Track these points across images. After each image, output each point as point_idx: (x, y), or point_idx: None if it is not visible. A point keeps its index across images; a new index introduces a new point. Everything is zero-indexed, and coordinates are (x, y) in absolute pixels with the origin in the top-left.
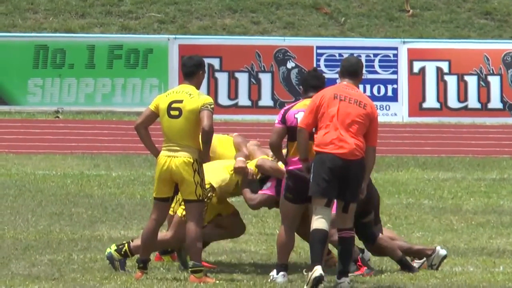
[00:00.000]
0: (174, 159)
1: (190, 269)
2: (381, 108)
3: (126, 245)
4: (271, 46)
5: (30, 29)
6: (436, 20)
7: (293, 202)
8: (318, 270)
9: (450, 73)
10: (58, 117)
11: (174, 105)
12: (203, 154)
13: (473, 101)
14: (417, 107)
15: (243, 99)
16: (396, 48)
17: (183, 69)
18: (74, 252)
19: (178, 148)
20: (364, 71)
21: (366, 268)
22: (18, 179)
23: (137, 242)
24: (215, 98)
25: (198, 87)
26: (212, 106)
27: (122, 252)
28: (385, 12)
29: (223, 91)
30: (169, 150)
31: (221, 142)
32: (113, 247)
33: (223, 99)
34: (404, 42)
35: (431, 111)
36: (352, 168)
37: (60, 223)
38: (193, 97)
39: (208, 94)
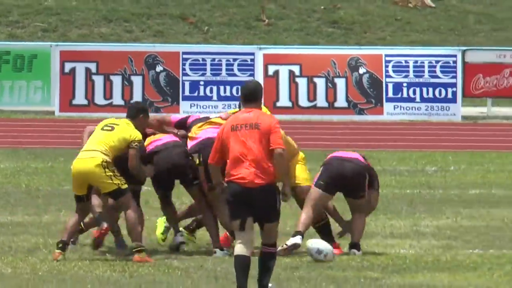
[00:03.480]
0: (83, 160)
1: (134, 250)
2: (235, 107)
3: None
4: (142, 52)
5: None
6: (289, 28)
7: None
8: None
9: (301, 75)
10: None
11: (110, 123)
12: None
13: (321, 101)
14: (271, 105)
15: (117, 99)
16: (253, 54)
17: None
18: None
19: (91, 150)
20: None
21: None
22: None
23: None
24: (92, 98)
25: (139, 129)
26: (139, 143)
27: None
28: (243, 22)
29: (99, 92)
30: (82, 153)
31: None
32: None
33: (100, 99)
34: (260, 48)
35: (284, 109)
36: (256, 194)
37: None
38: (129, 126)
39: (86, 94)
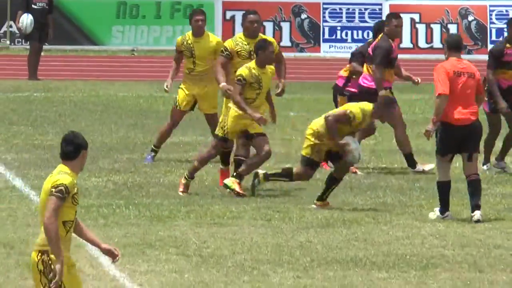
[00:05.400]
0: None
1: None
2: None
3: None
4: (289, 3)
5: None
6: None
7: None
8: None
9: (420, 22)
10: (133, 54)
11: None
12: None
13: (436, 42)
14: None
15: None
16: (381, 4)
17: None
18: (145, 152)
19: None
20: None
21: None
22: (104, 99)
23: None
24: None
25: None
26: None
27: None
28: None
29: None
30: None
31: None
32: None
33: None
34: (387, 0)
35: (406, 50)
36: (472, 129)
37: (135, 131)
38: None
39: None
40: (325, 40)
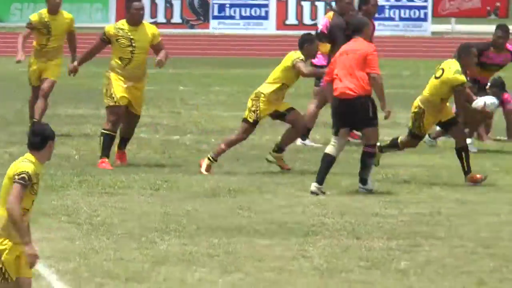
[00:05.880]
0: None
1: None
2: (253, 25)
3: None
4: None
5: None
6: None
7: None
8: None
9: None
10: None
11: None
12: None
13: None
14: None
15: (161, 18)
16: None
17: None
18: None
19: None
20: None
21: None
22: (3, 74)
23: None
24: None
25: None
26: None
27: None
28: None
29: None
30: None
31: None
32: None
33: (147, 17)
34: None
35: (291, 26)
36: (352, 104)
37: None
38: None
39: None
40: (214, 17)
